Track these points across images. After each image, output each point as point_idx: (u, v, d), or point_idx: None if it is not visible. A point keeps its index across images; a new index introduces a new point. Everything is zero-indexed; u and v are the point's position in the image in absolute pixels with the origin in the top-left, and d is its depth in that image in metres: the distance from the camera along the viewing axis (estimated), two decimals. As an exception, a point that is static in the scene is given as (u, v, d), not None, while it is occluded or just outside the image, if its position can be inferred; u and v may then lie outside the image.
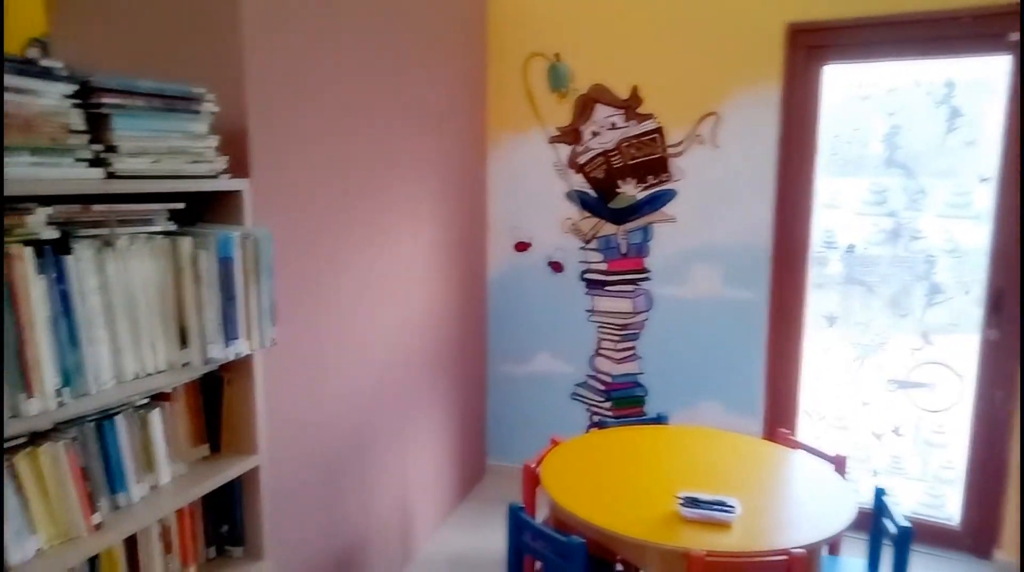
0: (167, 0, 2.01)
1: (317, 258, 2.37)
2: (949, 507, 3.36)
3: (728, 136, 3.35)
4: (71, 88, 1.36)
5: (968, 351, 3.20)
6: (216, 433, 1.93)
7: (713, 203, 3.42)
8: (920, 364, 3.31)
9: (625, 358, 3.73)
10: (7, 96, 1.25)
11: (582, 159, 3.63)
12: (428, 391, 3.28)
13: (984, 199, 3.07)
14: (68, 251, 1.36)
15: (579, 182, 3.65)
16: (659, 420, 2.99)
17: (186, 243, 1.61)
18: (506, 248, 3.87)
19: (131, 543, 1.64)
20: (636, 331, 3.68)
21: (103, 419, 1.55)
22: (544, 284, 3.83)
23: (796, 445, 2.72)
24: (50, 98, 1.32)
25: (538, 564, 2.55)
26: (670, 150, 3.46)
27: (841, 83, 3.21)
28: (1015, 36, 2.86)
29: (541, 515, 2.61)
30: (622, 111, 3.51)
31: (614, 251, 3.65)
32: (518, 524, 2.22)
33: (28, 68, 1.27)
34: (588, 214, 3.67)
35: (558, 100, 3.62)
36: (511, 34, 3.66)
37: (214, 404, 1.92)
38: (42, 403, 1.32)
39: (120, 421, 1.58)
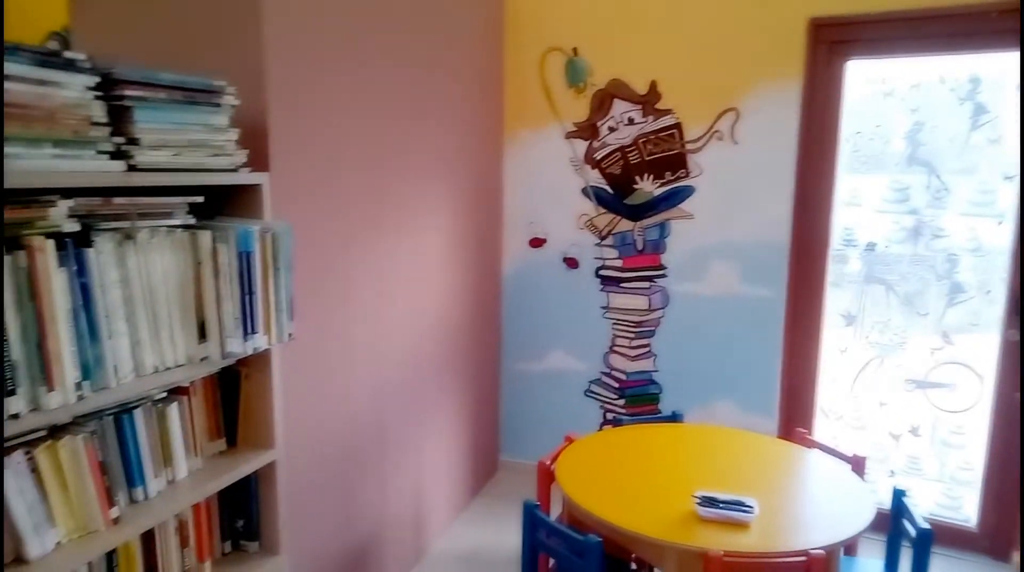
0: (187, -8, 2.00)
1: (332, 253, 2.36)
2: (966, 508, 3.32)
3: (748, 132, 3.31)
4: (93, 80, 1.35)
5: (989, 351, 3.15)
6: (233, 427, 1.93)
7: (731, 200, 3.39)
8: (940, 364, 3.27)
9: (640, 355, 3.70)
10: (30, 88, 1.24)
11: (599, 155, 3.60)
12: (442, 387, 3.27)
13: (1008, 198, 3.03)
14: (89, 244, 1.36)
15: (595, 178, 3.63)
16: (674, 418, 2.97)
17: (206, 237, 1.60)
18: (521, 244, 3.85)
19: (148, 537, 1.64)
20: (651, 328, 3.66)
21: (122, 413, 1.55)
22: (559, 280, 3.81)
23: (814, 445, 2.69)
24: (73, 90, 1.31)
25: (552, 561, 2.53)
26: (688, 146, 3.43)
27: (863, 79, 3.16)
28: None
29: (554, 512, 2.60)
30: (640, 106, 3.48)
31: (630, 248, 3.62)
32: (533, 521, 2.21)
33: (52, 60, 1.26)
34: (604, 210, 3.64)
35: (575, 95, 3.59)
36: (528, 29, 3.63)
37: (231, 398, 1.92)
38: (62, 396, 1.32)
39: (139, 415, 1.58)
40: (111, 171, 1.40)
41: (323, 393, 2.37)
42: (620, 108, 3.51)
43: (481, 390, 3.75)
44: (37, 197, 1.28)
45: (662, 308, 3.62)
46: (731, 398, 3.55)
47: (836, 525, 2.11)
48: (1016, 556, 3.15)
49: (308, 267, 2.23)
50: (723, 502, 2.15)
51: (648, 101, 3.46)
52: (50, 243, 1.27)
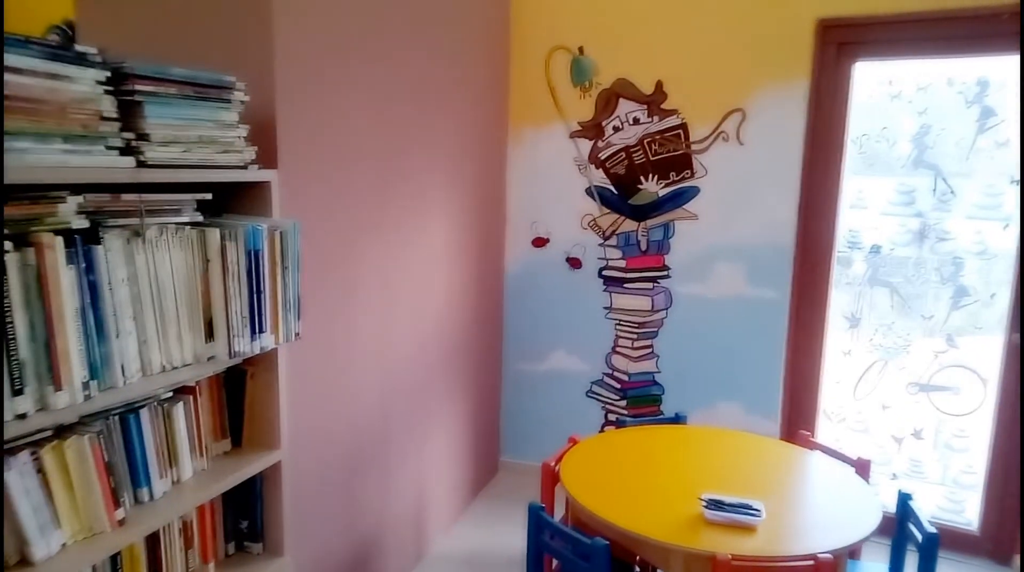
0: (194, -14, 1.98)
1: (336, 252, 2.34)
2: (969, 512, 3.32)
3: (753, 133, 3.30)
4: (104, 74, 1.32)
5: (993, 355, 3.15)
6: (238, 427, 1.91)
7: (737, 201, 3.37)
8: (943, 367, 3.26)
9: (642, 356, 3.69)
10: (40, 82, 1.22)
11: (603, 155, 3.58)
12: (443, 387, 3.25)
13: (1015, 201, 3.02)
14: (98, 241, 1.33)
15: (600, 178, 3.61)
16: (678, 420, 2.96)
17: (215, 235, 1.58)
18: (524, 243, 3.84)
19: (152, 538, 1.61)
20: (654, 329, 3.64)
21: (128, 413, 1.52)
22: (561, 280, 3.79)
23: (818, 448, 2.68)
24: (83, 84, 1.29)
25: (555, 563, 2.52)
26: (693, 146, 3.41)
27: (871, 80, 3.15)
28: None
29: (557, 514, 2.58)
30: (645, 106, 3.46)
31: (634, 248, 3.61)
32: (539, 524, 2.19)
33: (63, 53, 1.24)
34: (608, 210, 3.62)
35: (580, 94, 3.57)
36: (534, 27, 3.61)
37: (236, 398, 1.90)
38: (70, 396, 1.29)
39: (145, 415, 1.56)
40: (121, 167, 1.38)
41: (327, 392, 2.35)
42: (625, 108, 3.50)
43: (482, 390, 3.73)
44: (46, 193, 1.26)
45: (665, 309, 3.61)
46: (734, 400, 3.54)
47: (843, 529, 2.10)
48: (1018, 560, 3.15)
49: (312, 266, 2.21)
50: (730, 505, 2.14)
51: (654, 101, 3.44)
52: (59, 240, 1.25)
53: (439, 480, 3.29)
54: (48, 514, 1.33)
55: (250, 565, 1.90)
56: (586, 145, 3.61)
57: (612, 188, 3.59)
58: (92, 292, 1.33)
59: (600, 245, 3.67)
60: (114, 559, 1.52)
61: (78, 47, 1.27)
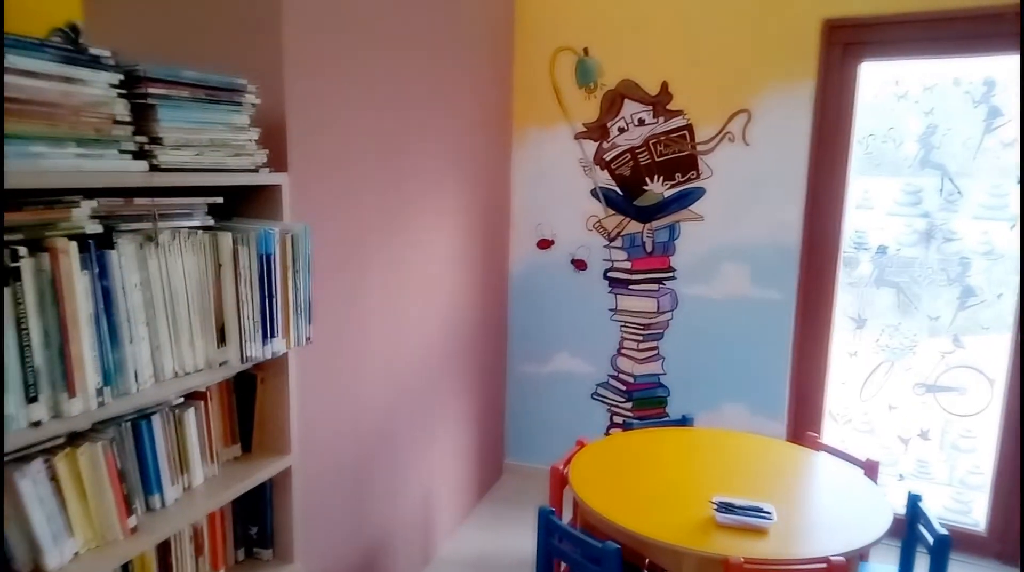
0: (202, -12, 1.96)
1: (342, 255, 2.32)
2: (976, 513, 3.31)
3: (759, 134, 3.29)
4: (117, 77, 1.31)
5: (1000, 355, 3.14)
6: (248, 433, 1.89)
7: (742, 202, 3.37)
8: (950, 368, 3.26)
9: (648, 358, 3.68)
10: (55, 85, 1.20)
11: (608, 156, 3.57)
12: (448, 389, 3.24)
13: (1018, 202, 3.01)
14: (111, 246, 1.32)
15: (604, 179, 3.60)
16: (684, 422, 2.95)
17: (227, 239, 1.56)
18: (529, 245, 3.82)
19: (163, 545, 1.60)
20: (660, 331, 3.63)
21: (139, 419, 1.51)
22: (566, 282, 3.78)
23: (826, 449, 2.67)
24: (97, 87, 1.27)
25: (563, 566, 2.51)
26: (699, 147, 3.40)
27: (877, 81, 3.15)
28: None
29: (565, 517, 2.57)
30: (651, 107, 3.45)
31: (639, 249, 3.60)
32: (549, 527, 2.18)
33: (78, 57, 1.23)
34: (613, 212, 3.61)
35: (585, 95, 3.56)
36: (538, 28, 3.60)
37: (246, 403, 1.88)
38: (84, 403, 1.28)
39: (156, 421, 1.54)
40: (135, 171, 1.36)
41: (334, 396, 2.34)
42: (631, 109, 3.49)
43: (487, 392, 3.72)
44: (60, 197, 1.24)
45: (671, 310, 3.60)
46: (740, 401, 3.53)
47: (854, 531, 2.10)
48: (1025, 561, 3.15)
49: (319, 269, 2.19)
50: (741, 508, 2.13)
51: (659, 102, 3.43)
52: (73, 245, 1.24)
53: (444, 483, 3.27)
54: (61, 522, 1.32)
55: (260, 571, 1.89)
56: (591, 146, 3.60)
57: (617, 189, 3.58)
58: (106, 298, 1.32)
59: (605, 246, 3.66)
60: (125, 567, 1.50)
61: (92, 50, 1.26)
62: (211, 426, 1.72)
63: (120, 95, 1.33)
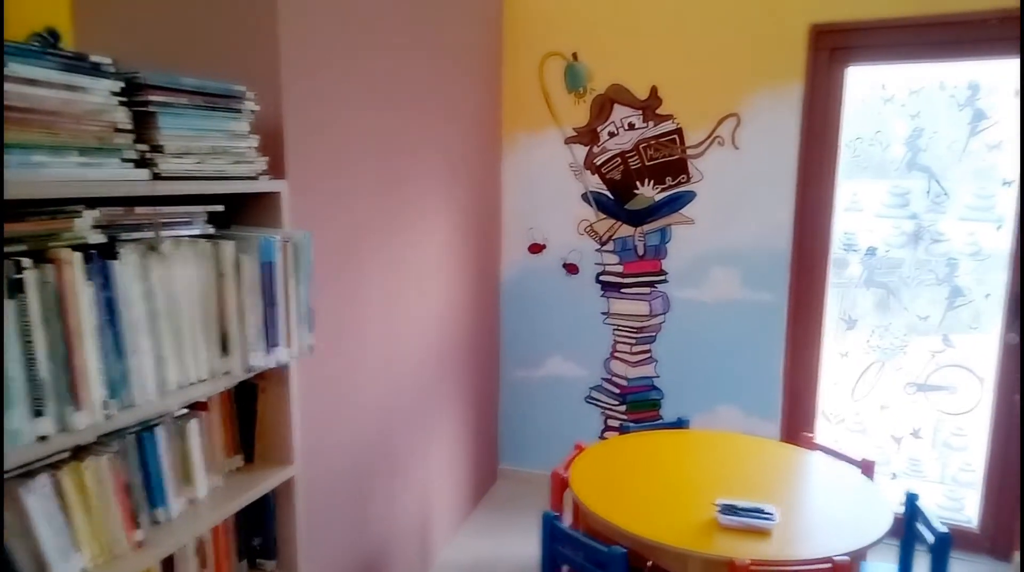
0: (196, -5, 1.95)
1: (338, 262, 2.31)
2: (968, 510, 3.35)
3: (748, 137, 3.32)
4: (118, 85, 1.29)
5: (989, 354, 3.19)
6: (249, 443, 1.87)
7: (732, 205, 3.39)
8: (940, 367, 3.30)
9: (641, 361, 3.69)
10: (56, 93, 1.18)
11: (599, 160, 3.58)
12: (442, 396, 3.22)
13: (1007, 202, 3.06)
14: (114, 256, 1.30)
15: (595, 183, 3.61)
16: (680, 424, 2.96)
17: (228, 247, 1.55)
18: (520, 250, 3.82)
19: (167, 559, 1.57)
20: (652, 334, 3.64)
21: (143, 431, 1.49)
22: (558, 286, 3.78)
23: (822, 449, 2.69)
24: (98, 95, 1.25)
25: (565, 568, 2.50)
26: (689, 151, 3.42)
27: (864, 85, 3.19)
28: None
29: (565, 521, 2.56)
30: (640, 111, 3.47)
31: (631, 253, 3.61)
32: (553, 532, 2.17)
33: (79, 64, 1.21)
34: (604, 216, 3.62)
35: (575, 100, 3.57)
36: (527, 33, 3.61)
37: (247, 413, 1.86)
38: (90, 415, 1.26)
39: (160, 433, 1.52)
40: (136, 179, 1.35)
41: (333, 405, 2.32)
42: (620, 113, 3.50)
43: (480, 397, 3.71)
44: (62, 207, 1.22)
45: (663, 313, 3.61)
46: (733, 403, 3.55)
47: (856, 530, 2.11)
48: (1017, 556, 3.18)
49: (316, 277, 2.18)
50: (744, 510, 2.14)
51: (649, 106, 3.45)
52: (78, 256, 1.22)
53: (441, 489, 3.26)
54: (68, 537, 1.29)
55: (263, 583, 1.87)
56: (581, 150, 3.61)
57: (608, 193, 3.59)
58: (110, 309, 1.30)
59: (597, 250, 3.67)
60: (130, 581, 1.48)
61: (93, 57, 1.24)
62: (213, 437, 1.70)
63: (121, 103, 1.31)
